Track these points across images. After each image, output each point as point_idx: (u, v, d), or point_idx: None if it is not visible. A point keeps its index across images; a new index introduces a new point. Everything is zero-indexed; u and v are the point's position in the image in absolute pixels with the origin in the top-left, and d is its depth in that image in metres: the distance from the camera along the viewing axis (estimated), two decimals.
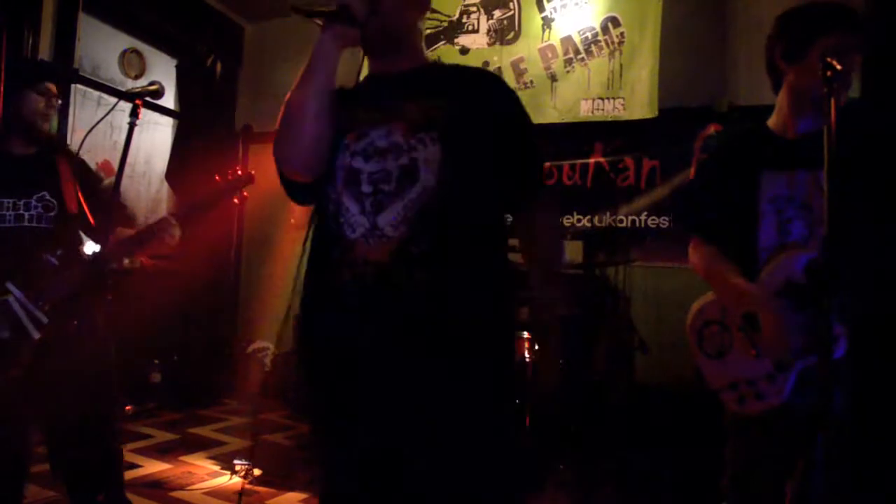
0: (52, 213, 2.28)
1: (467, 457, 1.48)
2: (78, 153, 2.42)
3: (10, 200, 2.22)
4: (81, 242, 2.33)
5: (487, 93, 1.65)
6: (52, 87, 2.36)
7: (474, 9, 5.15)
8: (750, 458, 1.94)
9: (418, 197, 1.51)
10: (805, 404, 1.75)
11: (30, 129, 2.31)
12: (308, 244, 1.67)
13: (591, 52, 4.74)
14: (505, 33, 5.02)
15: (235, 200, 2.58)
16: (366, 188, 1.55)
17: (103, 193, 2.41)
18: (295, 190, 1.72)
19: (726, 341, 1.92)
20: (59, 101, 2.37)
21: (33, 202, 2.25)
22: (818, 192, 1.78)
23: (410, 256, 1.49)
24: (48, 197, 2.28)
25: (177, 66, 5.92)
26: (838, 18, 1.82)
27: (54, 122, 2.39)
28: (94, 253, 2.23)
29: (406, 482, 1.52)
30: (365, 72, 1.74)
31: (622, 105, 4.62)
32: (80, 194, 2.32)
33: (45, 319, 2.14)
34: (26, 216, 2.23)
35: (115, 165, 2.35)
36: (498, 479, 1.54)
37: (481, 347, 1.53)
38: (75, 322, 2.20)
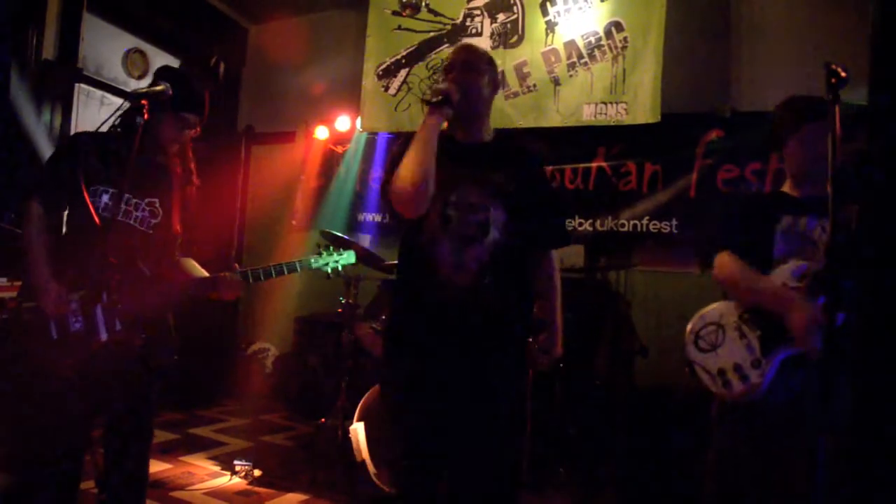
0: (155, 221, 2.37)
1: (507, 409, 2.19)
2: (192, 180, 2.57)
3: (127, 196, 2.30)
4: (175, 259, 2.45)
5: (533, 170, 2.36)
6: (191, 119, 2.44)
7: (478, 12, 5.15)
8: (734, 447, 2.22)
9: (489, 244, 2.15)
10: (786, 392, 2.07)
11: (158, 145, 2.41)
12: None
13: (595, 56, 4.74)
14: (508, 37, 5.03)
15: None
16: (455, 232, 2.15)
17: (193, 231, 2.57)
18: (400, 220, 2.27)
19: (719, 338, 2.26)
20: (196, 132, 2.47)
21: (143, 204, 2.35)
22: (822, 233, 2.16)
23: (482, 284, 2.14)
24: (157, 205, 2.38)
25: (180, 67, 5.93)
26: (818, 110, 2.10)
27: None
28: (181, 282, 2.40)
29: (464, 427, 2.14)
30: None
31: (625, 109, 4.62)
32: (177, 210, 2.45)
33: (118, 326, 2.21)
34: (134, 215, 2.33)
35: None
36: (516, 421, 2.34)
37: (518, 341, 2.26)
38: (144, 335, 2.27)
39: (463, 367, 2.14)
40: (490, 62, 2.32)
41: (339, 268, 2.64)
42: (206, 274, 2.50)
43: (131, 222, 2.32)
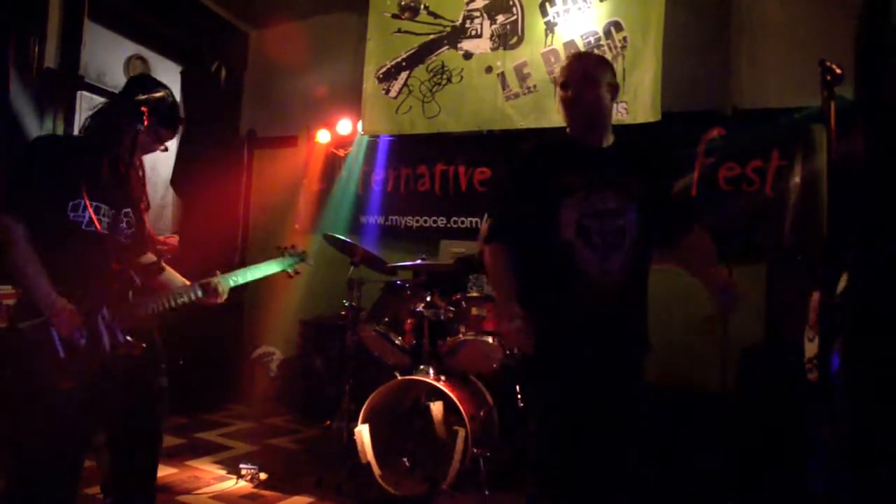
0: (131, 231, 2.36)
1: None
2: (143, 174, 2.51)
3: (108, 208, 2.26)
4: (158, 265, 2.44)
5: (658, 166, 2.43)
6: (166, 135, 2.42)
7: (477, 14, 5.16)
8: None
9: (628, 248, 2.25)
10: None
11: (127, 155, 2.34)
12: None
13: None
14: (508, 38, 5.04)
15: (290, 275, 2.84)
16: (596, 239, 2.21)
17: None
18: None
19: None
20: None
21: (121, 215, 2.32)
22: None
23: (626, 285, 2.26)
24: (131, 214, 2.36)
25: (182, 73, 5.95)
26: None
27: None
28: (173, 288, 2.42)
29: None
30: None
31: (625, 109, 4.62)
32: (146, 216, 2.43)
33: (122, 338, 2.21)
34: (117, 227, 2.29)
35: None
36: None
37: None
38: (143, 345, 2.27)
39: (611, 363, 2.26)
40: (605, 65, 2.38)
41: (296, 269, 2.82)
42: (186, 282, 2.51)
43: (116, 234, 2.29)
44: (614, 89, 2.35)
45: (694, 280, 2.53)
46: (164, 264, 2.49)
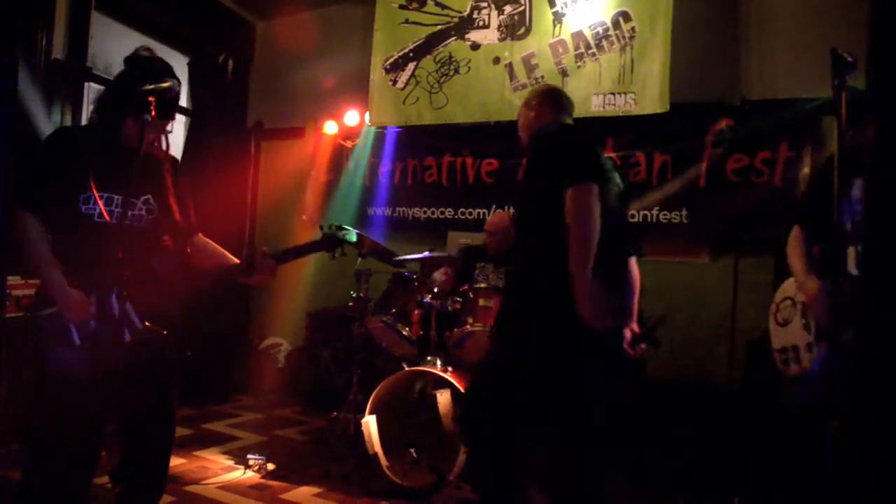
0: (152, 217, 2.33)
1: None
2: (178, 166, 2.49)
3: (119, 198, 2.23)
4: (183, 250, 2.43)
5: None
6: (166, 125, 2.38)
7: (485, 4, 5.14)
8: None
9: None
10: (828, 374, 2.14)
11: (137, 144, 2.27)
12: None
13: (602, 46, 4.72)
14: (515, 28, 5.02)
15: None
16: None
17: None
18: None
19: (791, 314, 2.43)
20: (159, 132, 2.36)
21: (139, 203, 2.29)
22: None
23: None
24: (152, 201, 2.33)
25: (188, 64, 5.95)
26: None
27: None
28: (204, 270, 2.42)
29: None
30: None
31: (633, 100, 4.60)
32: (174, 200, 2.38)
33: (139, 325, 2.19)
34: (131, 215, 2.26)
35: None
36: None
37: None
38: (164, 332, 2.25)
39: None
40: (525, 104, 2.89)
41: (349, 241, 2.76)
42: (234, 259, 2.50)
43: (128, 223, 2.25)
44: (535, 113, 2.83)
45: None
46: (203, 242, 2.51)
